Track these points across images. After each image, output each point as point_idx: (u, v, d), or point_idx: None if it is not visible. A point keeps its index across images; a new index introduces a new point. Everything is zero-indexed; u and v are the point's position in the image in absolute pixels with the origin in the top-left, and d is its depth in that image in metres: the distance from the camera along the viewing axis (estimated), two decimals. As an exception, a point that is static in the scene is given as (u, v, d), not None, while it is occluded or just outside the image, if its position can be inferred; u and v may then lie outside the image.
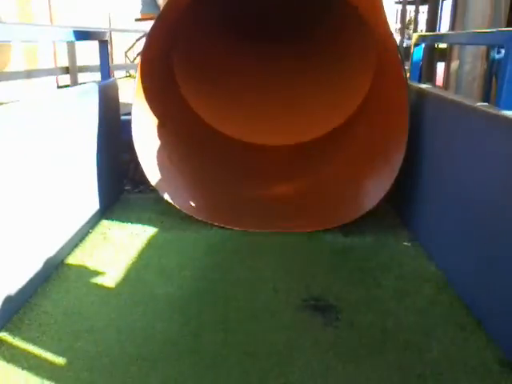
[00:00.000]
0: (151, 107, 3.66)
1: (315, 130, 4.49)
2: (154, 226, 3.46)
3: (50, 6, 11.42)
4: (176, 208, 3.51)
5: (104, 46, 3.88)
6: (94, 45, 3.95)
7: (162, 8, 3.40)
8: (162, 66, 4.11)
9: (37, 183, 2.60)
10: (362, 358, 2.09)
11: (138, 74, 3.37)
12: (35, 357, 2.07)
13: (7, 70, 9.47)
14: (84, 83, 3.82)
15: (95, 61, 4.19)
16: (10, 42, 8.20)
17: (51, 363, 2.03)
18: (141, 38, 15.28)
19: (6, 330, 2.23)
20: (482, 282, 2.35)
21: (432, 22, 8.78)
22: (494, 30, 4.01)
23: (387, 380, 1.96)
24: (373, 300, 2.54)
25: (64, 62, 9.40)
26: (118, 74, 11.09)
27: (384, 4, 3.30)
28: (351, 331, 2.28)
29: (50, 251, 2.76)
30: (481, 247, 2.37)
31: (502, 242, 2.18)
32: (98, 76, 4.03)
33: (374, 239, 3.26)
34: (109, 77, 3.92)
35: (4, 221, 2.26)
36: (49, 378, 1.93)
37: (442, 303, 2.52)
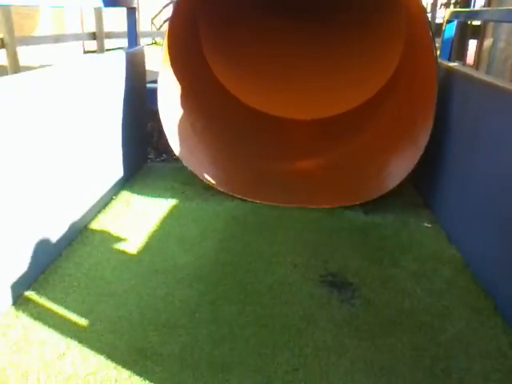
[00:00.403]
0: (177, 76, 3.66)
1: (342, 105, 4.44)
2: (177, 195, 3.51)
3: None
4: (198, 178, 3.54)
5: (132, 12, 3.87)
6: (120, 11, 3.95)
7: None
8: (189, 35, 4.09)
9: (63, 148, 2.65)
10: (377, 337, 2.11)
11: (165, 43, 3.35)
12: (59, 316, 2.15)
13: (35, 34, 9.53)
14: (111, 49, 3.83)
15: (120, 27, 4.17)
16: (39, 6, 8.23)
17: (74, 323, 2.11)
18: (167, 5, 15.16)
19: (33, 290, 2.32)
20: (502, 266, 2.33)
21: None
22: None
23: (400, 359, 1.98)
24: (390, 279, 2.55)
25: (90, 27, 9.42)
26: (143, 41, 11.07)
27: None
28: (367, 309, 2.30)
29: (75, 216, 2.82)
30: (503, 232, 2.34)
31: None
32: (123, 42, 4.03)
33: (395, 218, 3.25)
34: (136, 44, 3.92)
35: (32, 183, 2.32)
36: (72, 337, 2.01)
37: (460, 286, 2.51)
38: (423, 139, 3.15)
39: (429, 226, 3.17)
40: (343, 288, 2.46)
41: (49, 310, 2.19)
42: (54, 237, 2.59)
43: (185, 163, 3.53)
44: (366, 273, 2.61)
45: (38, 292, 2.31)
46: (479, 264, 2.60)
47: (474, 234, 2.68)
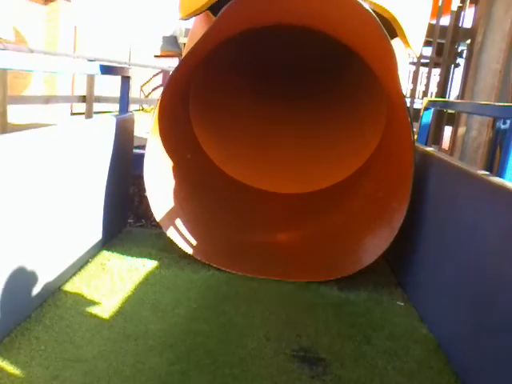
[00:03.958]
0: (165, 146, 3.77)
1: (321, 181, 4.58)
2: (153, 261, 3.50)
3: (76, 34, 12.03)
4: (176, 245, 3.55)
5: (126, 81, 4.03)
6: (110, 77, 4.08)
7: (188, 50, 3.49)
8: (179, 107, 4.25)
9: (43, 207, 2.65)
10: (347, 416, 2.09)
11: (156, 113, 3.48)
12: (21, 382, 2.07)
13: (26, 93, 9.74)
14: (98, 112, 3.94)
15: (108, 91, 4.30)
16: (35, 71, 8.52)
17: (38, 390, 2.04)
18: (157, 74, 15.78)
19: (-3, 352, 2.25)
20: (473, 350, 2.36)
21: (443, 85, 9.04)
22: (499, 104, 4.14)
23: None
24: (362, 357, 2.55)
25: (80, 90, 9.72)
26: (131, 106, 11.45)
27: (399, 64, 3.34)
28: (338, 387, 2.28)
29: (48, 276, 2.78)
30: (474, 316, 2.39)
31: (496, 313, 2.20)
32: (110, 106, 4.15)
33: (368, 296, 3.28)
34: (127, 111, 4.05)
35: (6, 241, 2.30)
36: (34, 405, 1.95)
37: (431, 367, 2.52)
38: (398, 220, 3.25)
39: (401, 304, 3.21)
40: (315, 364, 2.45)
41: (11, 374, 2.12)
42: (24, 297, 2.54)
43: (164, 229, 3.56)
44: (338, 349, 2.60)
45: (1, 355, 2.23)
46: (450, 345, 2.62)
47: (446, 315, 2.72)
